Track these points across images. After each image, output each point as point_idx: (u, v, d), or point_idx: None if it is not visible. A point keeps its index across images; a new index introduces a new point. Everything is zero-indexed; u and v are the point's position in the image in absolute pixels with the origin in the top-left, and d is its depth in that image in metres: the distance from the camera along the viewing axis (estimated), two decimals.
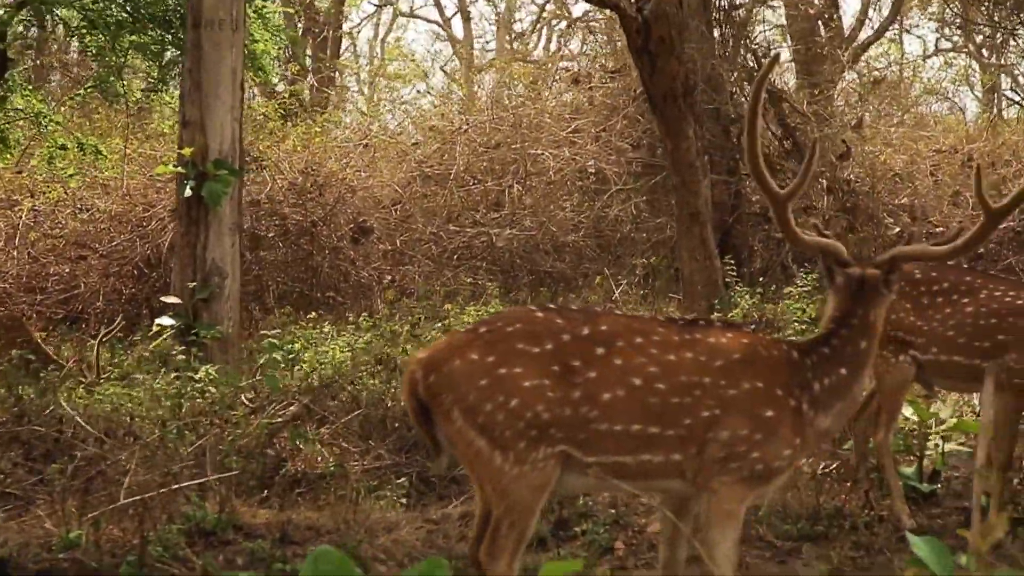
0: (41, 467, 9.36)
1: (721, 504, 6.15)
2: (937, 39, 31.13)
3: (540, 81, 24.15)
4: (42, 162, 18.40)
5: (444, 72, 30.88)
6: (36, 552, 7.94)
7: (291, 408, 10.62)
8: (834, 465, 9.71)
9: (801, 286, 14.49)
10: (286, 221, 18.91)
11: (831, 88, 22.44)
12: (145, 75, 19.25)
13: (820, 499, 8.79)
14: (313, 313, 15.52)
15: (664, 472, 6.19)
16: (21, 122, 18.37)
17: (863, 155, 20.60)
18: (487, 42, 35.40)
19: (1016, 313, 8.33)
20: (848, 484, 9.19)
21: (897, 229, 19.68)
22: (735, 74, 20.72)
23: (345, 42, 35.72)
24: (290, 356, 11.48)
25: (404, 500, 9.36)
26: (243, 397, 10.74)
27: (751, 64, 20.79)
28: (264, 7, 17.53)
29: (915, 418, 9.51)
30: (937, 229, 19.70)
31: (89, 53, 17.77)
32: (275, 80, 21.68)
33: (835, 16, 26.52)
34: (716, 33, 20.82)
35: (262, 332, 12.61)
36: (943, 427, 9.53)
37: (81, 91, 20.03)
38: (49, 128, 18.06)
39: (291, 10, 27.31)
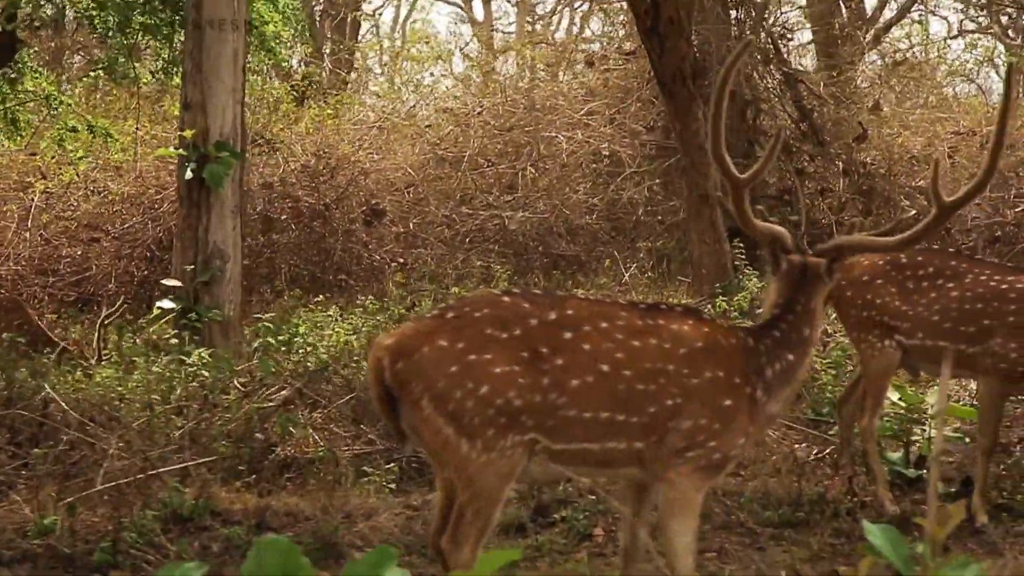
0: (26, 452, 9.32)
1: (679, 494, 6.12)
2: (961, 20, 30.78)
3: (558, 63, 24.06)
4: (52, 144, 18.35)
5: (465, 55, 30.68)
6: (11, 538, 7.93)
7: (283, 392, 10.58)
8: (815, 452, 9.64)
9: None
10: (299, 204, 18.89)
11: (851, 70, 22.30)
12: (156, 56, 19.17)
13: (802, 485, 8.71)
14: (320, 296, 15.46)
15: (626, 460, 6.17)
16: (32, 104, 18.31)
17: (880, 137, 20.44)
18: (509, 23, 35.19)
19: (1001, 298, 8.23)
20: (831, 470, 9.11)
21: (913, 212, 19.55)
22: (754, 56, 20.56)
23: (367, 24, 35.78)
24: (283, 340, 11.41)
25: (393, 485, 9.29)
26: (236, 381, 10.70)
27: (768, 46, 20.60)
28: None
29: (903, 404, 9.40)
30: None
31: (98, 34, 17.74)
32: (285, 62, 21.52)
33: None
34: (732, 15, 20.67)
35: (255, 315, 12.54)
36: (931, 412, 9.42)
37: (92, 73, 20.04)
38: (60, 110, 18.01)
39: None
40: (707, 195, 15.71)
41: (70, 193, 19.03)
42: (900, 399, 9.28)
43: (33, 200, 18.71)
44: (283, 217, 18.77)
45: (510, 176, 20.29)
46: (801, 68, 22.09)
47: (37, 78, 18.00)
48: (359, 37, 32.83)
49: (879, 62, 25.15)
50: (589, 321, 6.16)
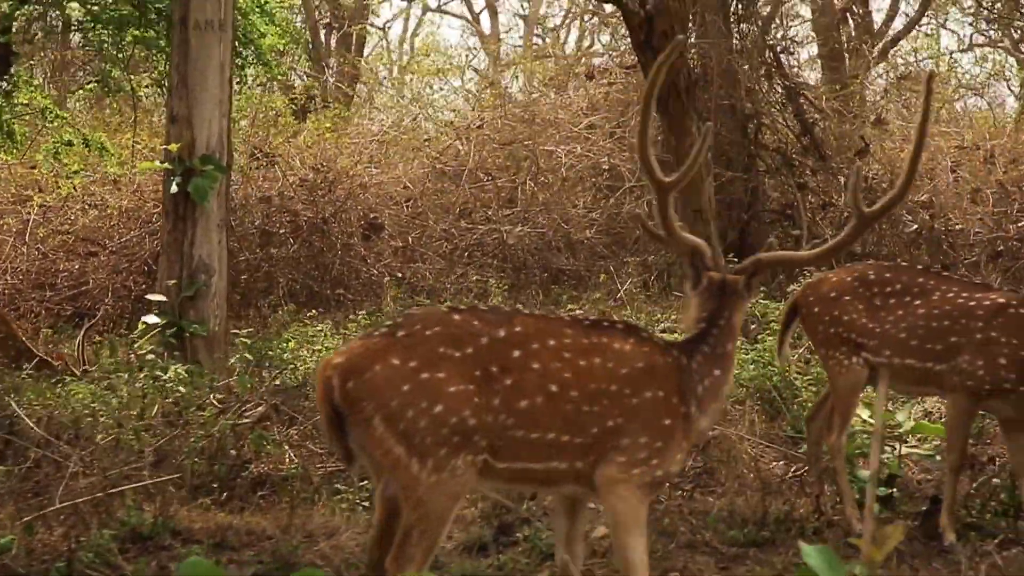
0: None
1: (627, 510, 6.09)
2: (971, 34, 30.63)
3: (564, 77, 23.96)
4: (47, 157, 18.34)
5: (471, 67, 30.62)
6: None
7: (259, 409, 10.52)
8: (793, 469, 9.56)
9: None
10: (297, 218, 18.85)
11: (855, 84, 22.21)
12: (151, 70, 19.14)
13: (767, 504, 8.61)
14: (313, 311, 15.42)
15: (567, 478, 6.14)
16: (27, 117, 18.30)
17: (883, 151, 20.33)
18: (519, 36, 35.17)
19: (968, 315, 8.12)
20: (797, 489, 9.04)
21: (915, 226, 19.46)
22: (761, 70, 20.46)
23: (375, 38, 35.75)
24: (261, 356, 11.36)
25: (368, 503, 9.19)
26: (213, 397, 10.63)
27: (770, 60, 20.51)
28: (267, 2, 17.40)
29: (872, 421, 9.29)
30: (956, 226, 19.46)
31: (92, 48, 17.73)
32: (282, 76, 21.49)
33: (863, 11, 26.25)
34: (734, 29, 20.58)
35: (238, 330, 12.45)
36: (901, 430, 9.31)
37: (86, 86, 20.05)
38: (54, 124, 18.00)
39: (295, 2, 27.21)
40: (701, 210, 15.61)
41: (68, 207, 19.02)
42: (870, 417, 9.16)
43: (31, 214, 18.71)
44: (281, 231, 18.74)
45: (510, 190, 20.23)
46: (804, 81, 21.93)
47: (32, 91, 17.98)
48: (364, 51, 32.79)
49: (885, 76, 24.98)
50: (537, 339, 6.10)
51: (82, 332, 13.65)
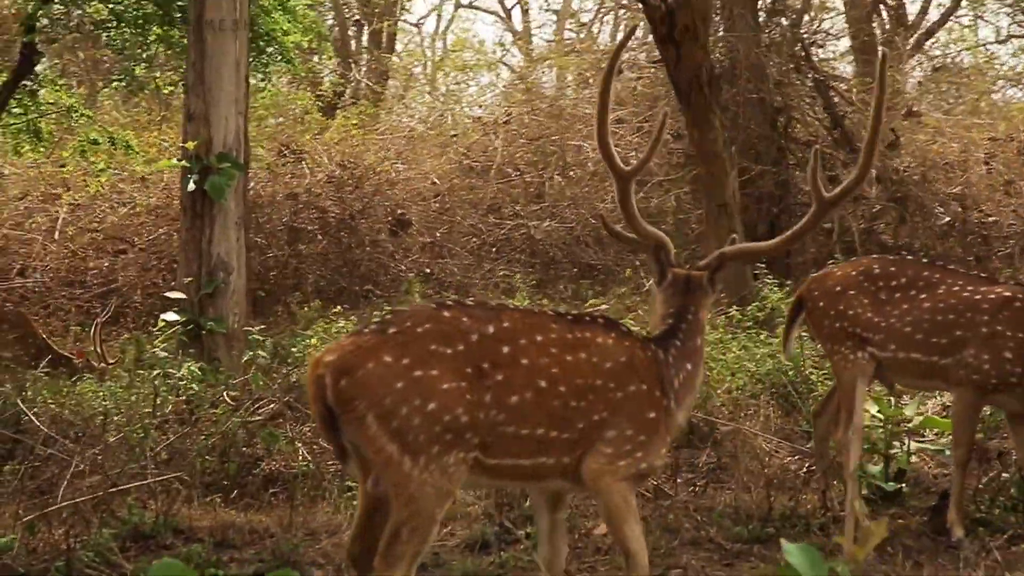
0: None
1: (619, 502, 6.11)
2: (1010, 24, 30.33)
3: (595, 72, 23.84)
4: (74, 155, 18.41)
5: (503, 63, 30.53)
6: None
7: (272, 406, 10.50)
8: (808, 465, 9.48)
9: None
10: (326, 214, 18.87)
11: (888, 76, 22.00)
12: (176, 68, 19.14)
13: (772, 500, 8.52)
14: (339, 307, 15.40)
15: (553, 473, 6.12)
16: (53, 116, 18.37)
17: (915, 144, 20.17)
18: (552, 31, 34.99)
19: (974, 308, 8.01)
20: (803, 484, 8.96)
21: (947, 219, 19.32)
22: (790, 63, 20.34)
23: (406, 36, 35.73)
24: (274, 353, 11.35)
25: None
26: (227, 395, 10.61)
27: (799, 53, 20.38)
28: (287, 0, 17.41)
29: (881, 416, 9.18)
30: (990, 218, 19.30)
31: (114, 47, 17.76)
32: (304, 73, 21.49)
33: (896, 3, 26.05)
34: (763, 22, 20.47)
35: (246, 328, 12.42)
36: (910, 424, 9.21)
37: (111, 85, 20.10)
38: (79, 122, 18.05)
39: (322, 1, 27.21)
40: (725, 204, 15.58)
41: (96, 205, 19.09)
42: (879, 411, 9.05)
43: (60, 212, 18.80)
44: (309, 228, 18.75)
45: (537, 185, 20.18)
46: (836, 74, 21.80)
47: (57, 90, 18.05)
48: (396, 48, 32.79)
49: (919, 68, 24.81)
50: (525, 334, 6.07)
51: (94, 327, 13.62)
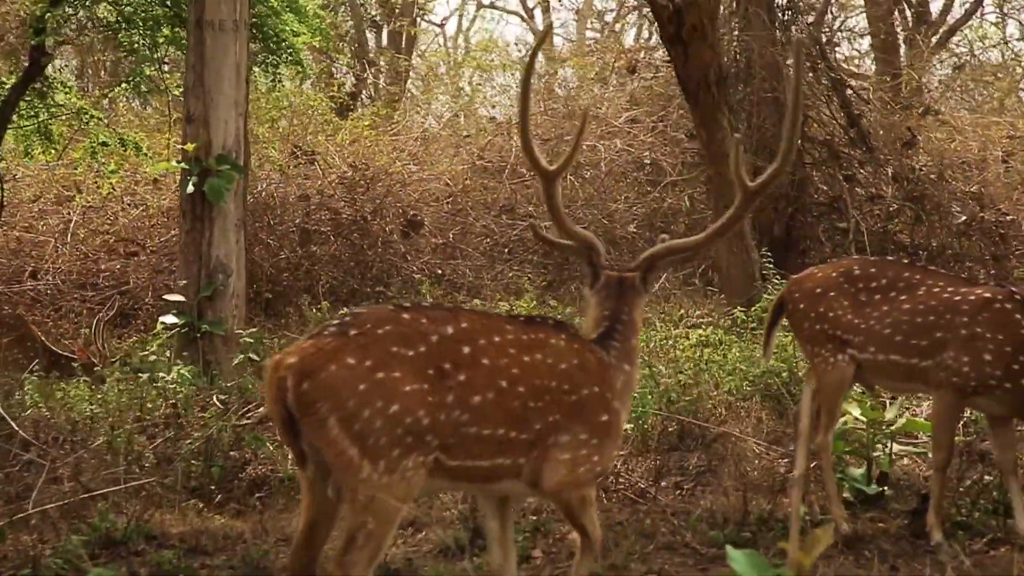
0: None
1: (580, 507, 6.20)
2: None
3: (609, 70, 23.74)
4: (84, 156, 18.42)
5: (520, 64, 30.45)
6: None
7: (261, 409, 10.45)
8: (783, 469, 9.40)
9: None
10: (338, 216, 18.82)
11: (908, 74, 21.89)
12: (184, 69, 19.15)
13: (748, 504, 8.42)
14: (344, 309, 15.33)
15: (510, 474, 6.11)
16: (64, 118, 18.39)
17: (932, 142, 20.01)
18: (573, 31, 34.97)
19: (953, 310, 7.89)
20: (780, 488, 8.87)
21: (963, 218, 19.14)
22: (806, 62, 20.19)
23: (429, 36, 35.70)
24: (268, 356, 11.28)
25: None
26: (215, 398, 10.58)
27: (815, 52, 20.22)
28: (296, 1, 17.37)
29: (863, 419, 9.07)
30: (1007, 217, 19.12)
31: (123, 48, 17.76)
32: (313, 74, 21.44)
33: (917, 0, 25.90)
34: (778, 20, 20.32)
35: (237, 331, 12.36)
36: (892, 428, 9.10)
37: (120, 86, 20.10)
38: (90, 124, 18.06)
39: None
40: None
41: (108, 207, 19.10)
42: (861, 415, 8.95)
43: (72, 214, 18.82)
44: (322, 229, 18.71)
45: None
46: (851, 72, 21.64)
47: (67, 92, 18.06)
48: (417, 48, 32.75)
49: (941, 66, 24.63)
50: (483, 335, 6.06)
51: (94, 326, 13.60)
